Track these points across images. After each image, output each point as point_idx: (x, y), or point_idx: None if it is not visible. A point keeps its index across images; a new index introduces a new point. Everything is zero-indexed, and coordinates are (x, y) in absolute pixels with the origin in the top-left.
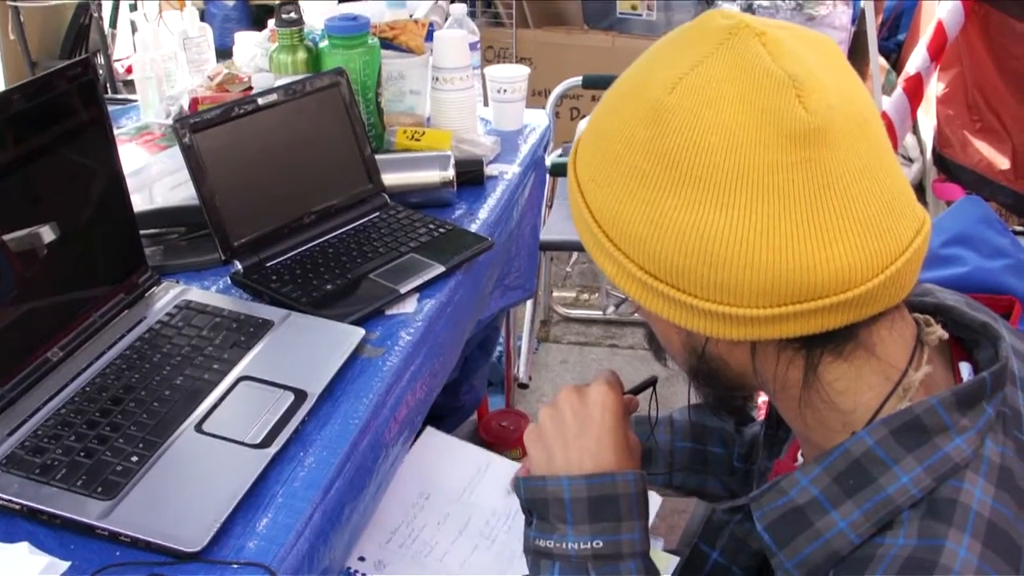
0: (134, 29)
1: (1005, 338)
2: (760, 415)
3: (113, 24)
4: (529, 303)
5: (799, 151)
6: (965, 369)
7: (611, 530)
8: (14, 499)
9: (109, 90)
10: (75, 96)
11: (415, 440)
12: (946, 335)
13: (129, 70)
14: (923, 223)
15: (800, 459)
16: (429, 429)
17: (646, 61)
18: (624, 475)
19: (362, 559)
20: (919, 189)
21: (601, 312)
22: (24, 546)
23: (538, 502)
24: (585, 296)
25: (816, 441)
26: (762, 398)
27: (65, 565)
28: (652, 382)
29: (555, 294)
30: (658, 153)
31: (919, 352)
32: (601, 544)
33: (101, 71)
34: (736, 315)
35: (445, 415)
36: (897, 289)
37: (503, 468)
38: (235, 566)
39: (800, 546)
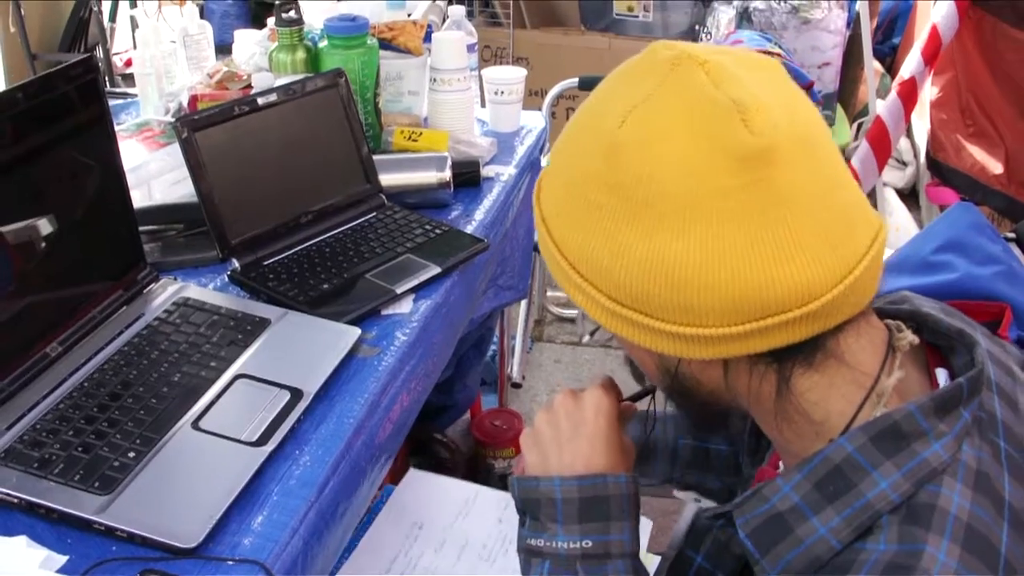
0: (134, 25)
1: (980, 344)
2: None
3: (112, 18)
4: (523, 303)
5: (748, 173)
6: (942, 375)
7: (600, 530)
8: (12, 493)
9: (108, 83)
10: (77, 94)
11: (399, 481)
12: (917, 340)
13: (128, 63)
14: (878, 231)
15: (781, 467)
16: (412, 470)
17: (599, 95)
18: (616, 477)
19: None
20: (913, 193)
21: None
22: (22, 539)
23: (531, 502)
24: None
25: (794, 451)
26: None
27: (63, 559)
28: (652, 389)
29: (549, 294)
30: (613, 186)
31: (891, 358)
32: (590, 544)
33: (100, 65)
34: (701, 335)
35: (439, 413)
36: (858, 297)
37: (492, 498)
38: (230, 563)
39: (782, 553)
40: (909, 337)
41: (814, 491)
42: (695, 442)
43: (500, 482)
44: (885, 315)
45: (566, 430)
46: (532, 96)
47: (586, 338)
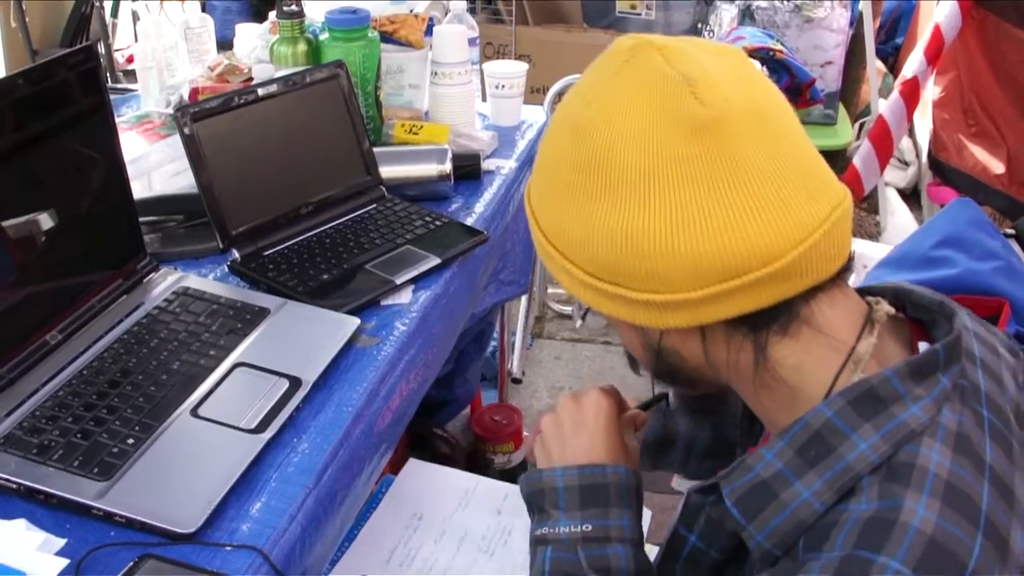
0: (135, 19)
1: (959, 314)
2: None
3: (114, 14)
4: (524, 299)
5: (700, 143)
6: (924, 348)
7: (600, 515)
8: (12, 478)
9: (110, 79)
10: (77, 83)
11: (399, 472)
12: (892, 310)
13: (130, 60)
14: (842, 200)
15: None
16: (412, 460)
17: (572, 88)
18: (615, 468)
19: None
20: (915, 193)
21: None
22: (21, 523)
23: (536, 494)
24: None
25: (779, 423)
26: None
27: (61, 542)
28: (662, 397)
29: (550, 291)
30: (582, 164)
31: (868, 328)
32: (590, 528)
33: (102, 60)
34: (671, 301)
35: (439, 407)
36: (823, 261)
37: (491, 488)
38: (228, 548)
39: (768, 518)
40: (885, 307)
41: (796, 457)
42: (713, 433)
43: (499, 476)
44: (869, 292)
45: (568, 428)
46: (534, 93)
47: (579, 323)
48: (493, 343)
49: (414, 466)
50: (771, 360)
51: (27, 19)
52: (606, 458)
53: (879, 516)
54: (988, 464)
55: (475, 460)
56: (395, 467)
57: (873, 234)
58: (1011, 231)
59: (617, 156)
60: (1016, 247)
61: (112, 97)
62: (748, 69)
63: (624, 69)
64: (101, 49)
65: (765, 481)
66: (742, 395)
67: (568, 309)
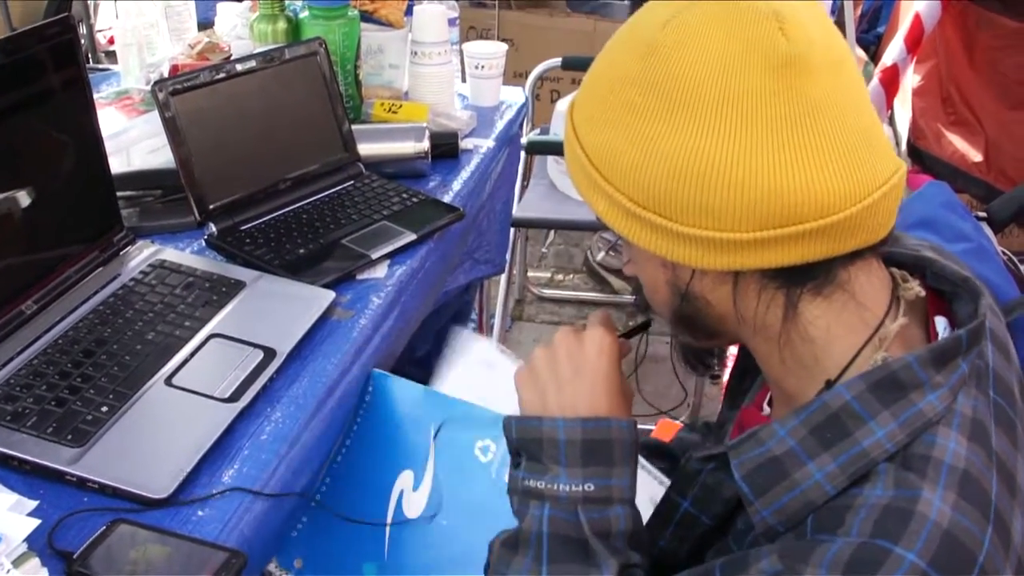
0: None
1: (985, 294)
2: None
3: None
4: (502, 281)
5: (781, 79)
6: (940, 323)
7: (603, 474)
8: None
9: (91, 60)
10: (54, 56)
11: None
12: (923, 292)
13: (111, 41)
14: (900, 166)
15: (767, 408)
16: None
17: (641, 10)
18: (619, 422)
19: None
20: None
21: (574, 292)
22: None
23: (531, 442)
24: (560, 277)
25: (789, 387)
26: (730, 351)
27: (33, 504)
28: (645, 326)
29: (530, 274)
30: (649, 84)
31: (895, 305)
32: (592, 488)
33: (83, 40)
34: (720, 239)
35: None
36: (875, 224)
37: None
38: (200, 513)
39: (777, 495)
40: (916, 289)
41: (810, 437)
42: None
43: None
44: (890, 261)
45: (567, 370)
46: (517, 77)
47: (600, 255)
48: (472, 325)
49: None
50: (801, 318)
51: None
52: (608, 408)
53: (896, 505)
54: (995, 451)
55: None
56: None
57: None
58: (983, 214)
59: (693, 78)
60: (987, 229)
61: (92, 75)
62: (827, 19)
63: None
64: (83, 30)
65: (777, 458)
66: (757, 352)
67: (548, 292)
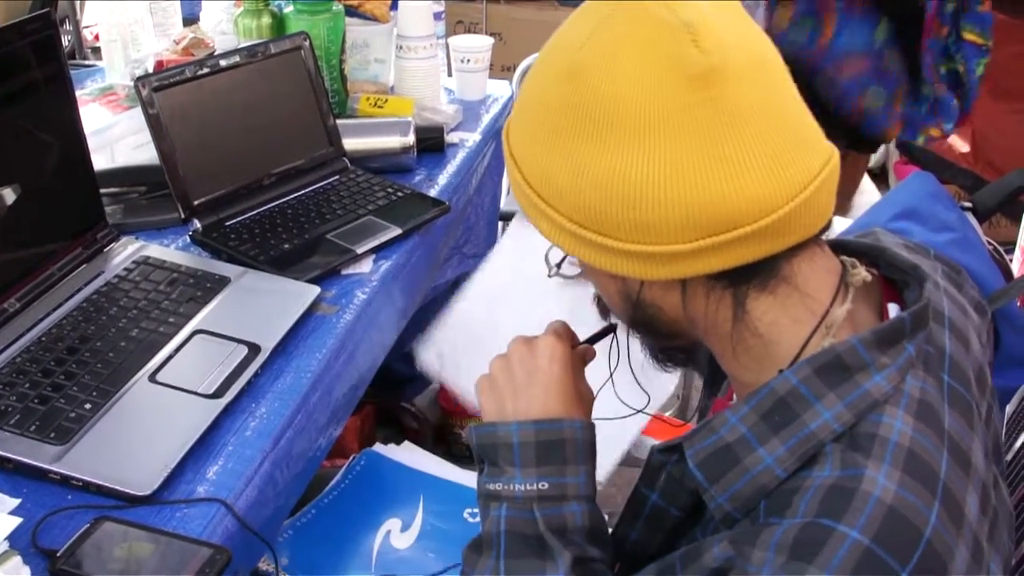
0: None
1: (930, 278)
2: None
3: None
4: None
5: (699, 91)
6: (893, 310)
7: (556, 473)
8: None
9: (77, 56)
10: (34, 51)
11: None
12: (869, 277)
13: (97, 38)
14: (830, 156)
15: (735, 399)
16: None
17: (559, 30)
18: (572, 422)
19: None
20: (883, 172)
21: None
22: None
23: (488, 447)
24: None
25: (747, 380)
26: None
27: (15, 502)
28: (610, 330)
29: None
30: (574, 107)
31: (843, 291)
32: (547, 486)
33: (69, 37)
34: (659, 253)
35: (406, 382)
36: (811, 218)
37: None
38: (184, 508)
39: (730, 481)
40: (862, 274)
41: (760, 422)
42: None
43: (466, 450)
44: (844, 249)
45: (520, 377)
46: (505, 71)
47: (552, 272)
48: None
49: None
50: (750, 315)
51: None
52: (561, 411)
53: (840, 484)
54: (946, 431)
55: (443, 434)
56: (362, 444)
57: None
58: (968, 204)
59: (613, 100)
60: (972, 220)
61: (76, 71)
62: (745, 19)
63: (618, 10)
64: (68, 26)
65: (729, 445)
66: (714, 350)
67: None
